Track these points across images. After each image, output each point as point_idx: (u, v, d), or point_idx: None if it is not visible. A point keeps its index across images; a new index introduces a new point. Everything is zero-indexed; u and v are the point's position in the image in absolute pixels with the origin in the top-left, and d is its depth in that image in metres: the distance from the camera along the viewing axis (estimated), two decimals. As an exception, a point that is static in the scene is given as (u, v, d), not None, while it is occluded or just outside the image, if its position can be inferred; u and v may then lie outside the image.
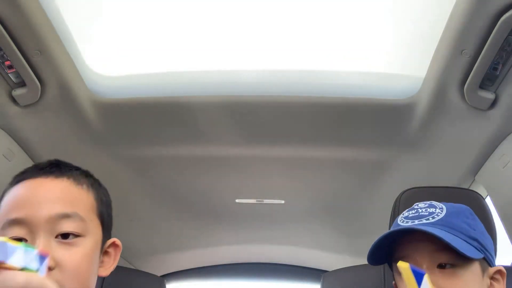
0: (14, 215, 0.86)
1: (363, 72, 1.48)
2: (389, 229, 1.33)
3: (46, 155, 1.62)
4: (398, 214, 1.30)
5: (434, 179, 1.71)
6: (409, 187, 1.37)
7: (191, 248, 2.34)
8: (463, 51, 1.25)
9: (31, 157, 1.60)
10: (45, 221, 0.85)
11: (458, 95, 1.39)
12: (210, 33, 1.39)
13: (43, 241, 0.84)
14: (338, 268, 1.44)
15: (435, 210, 1.01)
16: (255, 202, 2.00)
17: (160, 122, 1.61)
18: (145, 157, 1.74)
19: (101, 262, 0.96)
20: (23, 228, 0.85)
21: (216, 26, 1.37)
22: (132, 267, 2.28)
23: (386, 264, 1.35)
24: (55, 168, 0.95)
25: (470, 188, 1.63)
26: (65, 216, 0.87)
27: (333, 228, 2.14)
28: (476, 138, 1.50)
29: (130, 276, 1.49)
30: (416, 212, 1.02)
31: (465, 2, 1.14)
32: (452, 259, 0.95)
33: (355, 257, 2.14)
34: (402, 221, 1.01)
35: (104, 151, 1.70)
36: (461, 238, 0.96)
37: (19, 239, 0.84)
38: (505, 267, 1.26)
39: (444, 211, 1.00)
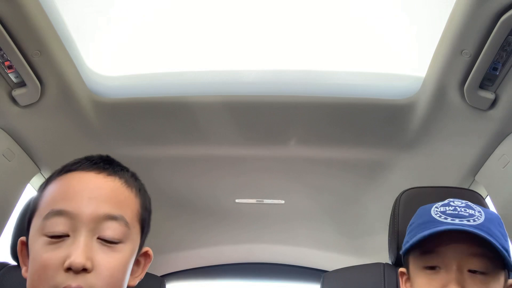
0: (61, 206, 0.84)
1: (363, 72, 1.48)
2: (390, 227, 1.33)
3: (46, 155, 1.62)
4: (398, 214, 1.31)
5: (434, 179, 1.70)
6: (409, 187, 1.37)
7: (191, 248, 2.34)
8: (463, 51, 1.25)
9: (31, 157, 1.60)
10: (91, 219, 0.83)
11: (458, 95, 1.39)
12: (210, 33, 1.39)
13: (84, 240, 0.81)
14: (338, 268, 1.44)
15: (475, 213, 0.98)
16: (255, 202, 2.00)
17: (160, 122, 1.61)
18: (145, 157, 1.74)
19: (131, 270, 0.92)
20: (67, 221, 0.82)
21: (216, 26, 1.37)
22: (132, 267, 2.27)
23: (386, 264, 1.36)
24: (108, 165, 0.93)
25: (470, 188, 1.62)
26: (112, 218, 0.85)
27: (333, 228, 2.14)
28: (476, 138, 1.49)
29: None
30: (454, 210, 0.99)
31: (465, 2, 1.14)
32: (485, 266, 0.94)
33: (355, 257, 2.14)
34: (439, 216, 0.98)
35: (104, 151, 1.68)
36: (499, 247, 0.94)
37: (60, 235, 0.82)
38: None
39: (483, 216, 0.98)
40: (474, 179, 1.64)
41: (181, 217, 2.12)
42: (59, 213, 0.83)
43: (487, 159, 1.54)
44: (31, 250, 0.85)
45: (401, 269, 1.08)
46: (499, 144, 1.47)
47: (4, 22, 1.20)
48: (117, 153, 1.72)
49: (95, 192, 0.86)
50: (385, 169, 1.76)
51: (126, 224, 0.87)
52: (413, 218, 1.08)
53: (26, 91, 1.38)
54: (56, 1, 1.26)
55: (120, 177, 0.91)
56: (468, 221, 0.96)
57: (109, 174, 0.90)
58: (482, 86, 1.33)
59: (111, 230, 0.84)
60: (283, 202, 2.00)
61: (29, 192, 1.63)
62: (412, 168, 1.72)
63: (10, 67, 1.30)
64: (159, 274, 2.26)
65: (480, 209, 1.00)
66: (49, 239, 0.82)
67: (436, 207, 1.02)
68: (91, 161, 0.93)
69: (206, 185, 1.91)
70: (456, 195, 1.31)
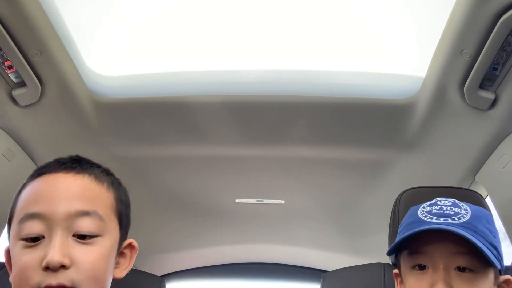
0: (33, 209, 0.85)
1: (363, 72, 1.48)
2: (390, 227, 1.33)
3: (46, 155, 1.62)
4: (398, 214, 1.31)
5: (434, 179, 1.71)
6: (409, 187, 1.37)
7: (191, 248, 2.34)
8: (463, 51, 1.25)
9: (31, 157, 1.60)
10: (64, 218, 0.84)
11: (458, 95, 1.39)
12: (210, 33, 1.39)
13: (59, 238, 0.83)
14: (338, 268, 1.44)
15: (460, 211, 0.99)
16: (255, 202, 2.00)
17: (160, 122, 1.61)
18: (145, 157, 1.74)
19: (117, 263, 0.94)
20: (41, 223, 0.84)
21: (216, 26, 1.37)
22: (132, 267, 2.27)
23: (386, 264, 1.36)
24: (76, 164, 0.94)
25: (470, 188, 1.62)
26: (84, 214, 0.86)
27: (333, 228, 2.14)
28: (476, 138, 1.49)
29: (130, 276, 1.48)
30: (440, 209, 0.99)
31: (465, 2, 1.14)
32: (472, 264, 0.94)
33: (355, 257, 2.14)
34: (425, 216, 0.99)
35: (104, 151, 1.70)
36: (484, 245, 0.94)
37: (36, 238, 0.84)
38: (506, 267, 1.26)
39: (469, 214, 0.98)
40: (474, 179, 1.64)
41: (181, 217, 2.12)
42: (32, 216, 0.85)
43: (487, 159, 1.54)
44: (11, 255, 0.87)
45: (395, 271, 1.08)
46: (499, 144, 1.47)
47: (4, 22, 1.20)
48: (116, 153, 1.73)
49: (65, 191, 0.88)
50: (385, 169, 1.76)
51: (100, 218, 0.88)
52: (403, 218, 1.09)
53: (26, 91, 1.38)
54: (56, 1, 1.25)
55: (90, 174, 0.93)
56: (453, 219, 0.96)
57: (78, 172, 0.92)
58: (482, 86, 1.33)
59: (85, 225, 0.86)
60: (283, 202, 2.00)
61: (29, 192, 1.63)
62: (412, 168, 1.72)
63: (10, 67, 1.30)
64: (159, 274, 2.27)
65: (467, 207, 1.01)
66: (26, 243, 0.84)
67: (423, 207, 1.03)
68: (59, 162, 0.94)
69: (206, 185, 1.91)
70: (456, 195, 1.31)
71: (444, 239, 0.94)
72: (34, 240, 0.84)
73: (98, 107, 1.54)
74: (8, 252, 0.92)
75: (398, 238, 1.02)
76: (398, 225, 1.30)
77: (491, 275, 0.96)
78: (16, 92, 1.38)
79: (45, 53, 1.31)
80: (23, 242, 0.84)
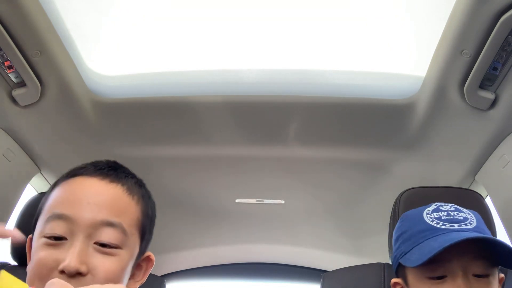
0: (60, 210, 0.86)
1: (363, 72, 1.48)
2: (390, 227, 1.33)
3: (46, 155, 1.62)
4: (398, 214, 1.31)
5: (434, 179, 1.70)
6: (409, 187, 1.37)
7: (191, 248, 2.34)
8: (463, 51, 1.25)
9: (31, 157, 1.60)
10: (88, 225, 0.85)
11: (458, 95, 1.39)
12: (210, 33, 1.39)
13: (80, 244, 0.83)
14: (338, 268, 1.44)
15: (467, 216, 0.99)
16: (255, 202, 2.00)
17: (160, 122, 1.61)
18: (145, 156, 1.74)
19: (132, 274, 0.94)
20: (66, 225, 0.85)
21: (216, 26, 1.37)
22: (132, 267, 2.27)
23: (386, 264, 1.36)
24: (112, 171, 0.94)
25: (470, 188, 1.62)
26: (109, 225, 0.86)
27: (333, 228, 2.14)
28: (476, 138, 1.49)
29: (130, 276, 1.49)
30: (447, 215, 0.99)
31: (465, 2, 1.14)
32: (487, 269, 0.94)
33: (355, 257, 2.14)
34: (436, 223, 0.98)
35: (104, 151, 1.69)
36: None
37: (59, 238, 0.84)
38: (505, 267, 1.26)
39: (475, 217, 0.99)
40: (474, 179, 1.64)
41: (181, 217, 2.12)
42: (58, 216, 0.85)
43: (487, 159, 1.54)
44: (32, 248, 0.88)
45: (395, 280, 1.06)
46: (499, 144, 1.47)
47: (4, 22, 1.20)
48: (116, 153, 1.73)
49: (96, 198, 0.88)
50: (385, 169, 1.76)
51: (124, 231, 0.88)
52: (402, 225, 1.07)
53: (26, 91, 1.38)
54: (56, 1, 1.25)
55: (123, 184, 0.93)
56: (466, 225, 0.97)
57: (112, 181, 0.92)
58: (482, 86, 1.33)
59: (107, 236, 0.86)
60: (283, 202, 1.99)
61: (29, 192, 1.63)
62: (412, 168, 1.72)
63: (10, 67, 1.30)
64: (159, 274, 2.27)
65: (468, 211, 1.02)
66: (48, 240, 0.85)
67: (428, 213, 1.02)
68: (96, 166, 0.94)
69: (206, 185, 1.91)
70: (456, 195, 1.32)
71: (461, 246, 0.92)
72: (56, 239, 0.85)
73: (98, 107, 1.54)
74: (31, 241, 0.93)
75: (409, 246, 0.99)
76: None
77: (497, 276, 0.98)
78: (16, 92, 1.38)
79: (45, 53, 1.31)
80: (45, 239, 0.85)
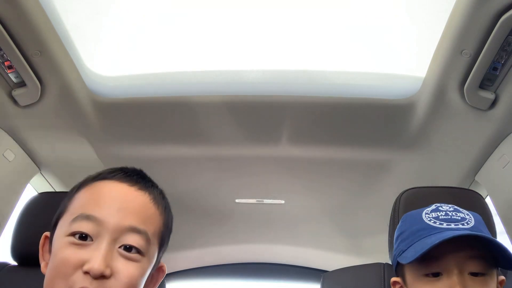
0: (90, 211, 0.87)
1: (363, 72, 1.48)
2: (390, 227, 1.33)
3: (46, 155, 1.62)
4: (398, 214, 1.31)
5: (434, 179, 1.71)
6: (409, 187, 1.37)
7: (191, 248, 2.34)
8: (463, 51, 1.25)
9: (31, 157, 1.60)
10: (116, 228, 0.86)
11: (458, 95, 1.39)
12: (210, 33, 1.39)
13: (106, 247, 0.84)
14: (338, 268, 1.44)
15: (465, 216, 1.00)
16: (255, 202, 2.00)
17: (160, 122, 1.61)
18: (145, 156, 1.74)
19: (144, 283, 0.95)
20: (94, 227, 0.85)
21: (216, 26, 1.37)
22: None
23: (386, 264, 1.35)
24: (140, 179, 0.95)
25: (470, 188, 1.62)
26: (135, 231, 0.87)
27: (333, 228, 2.14)
28: (476, 138, 1.49)
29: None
30: (446, 215, 1.00)
31: (465, 2, 1.14)
32: (483, 268, 0.95)
33: (355, 257, 2.14)
34: (434, 222, 0.99)
35: (104, 151, 1.70)
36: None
37: (85, 238, 0.85)
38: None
39: (473, 218, 1.00)
40: (474, 179, 1.64)
41: (181, 217, 2.11)
42: (87, 217, 0.86)
43: (487, 159, 1.54)
44: (54, 247, 0.88)
45: (394, 279, 1.07)
46: (499, 144, 1.47)
47: (4, 22, 1.20)
48: (116, 153, 1.73)
49: (125, 203, 0.89)
50: (385, 169, 1.76)
51: (148, 239, 0.89)
52: (402, 225, 1.08)
53: (26, 91, 1.38)
54: (56, 1, 1.25)
55: (150, 193, 0.94)
56: (463, 224, 0.98)
57: (141, 188, 0.93)
58: (482, 86, 1.33)
59: (133, 241, 0.87)
60: (283, 202, 1.99)
61: (29, 192, 1.63)
62: (412, 168, 1.72)
63: (10, 67, 1.30)
64: (159, 274, 2.26)
65: (467, 212, 1.02)
66: (74, 239, 0.85)
67: (426, 213, 1.03)
68: (125, 173, 0.95)
69: (206, 185, 1.91)
70: (456, 195, 1.32)
71: (457, 244, 0.94)
72: (82, 239, 0.85)
73: (98, 107, 1.54)
74: (46, 239, 0.94)
75: (406, 245, 1.00)
76: (398, 225, 1.30)
77: (495, 276, 0.98)
78: (16, 92, 1.38)
79: (45, 53, 1.31)
80: (71, 238, 0.85)
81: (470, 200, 1.30)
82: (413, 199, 1.31)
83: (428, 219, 1.01)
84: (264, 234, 2.25)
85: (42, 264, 0.92)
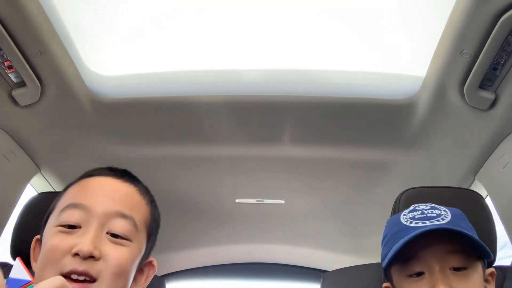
0: (77, 200, 0.91)
1: (363, 72, 1.48)
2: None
3: (46, 155, 1.62)
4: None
5: (434, 179, 1.71)
6: (409, 187, 1.37)
7: (191, 248, 2.34)
8: (463, 51, 1.25)
9: (31, 157, 1.60)
10: (103, 214, 0.89)
11: (458, 95, 1.39)
12: (210, 33, 1.39)
13: (94, 231, 0.87)
14: (338, 268, 1.44)
15: (441, 212, 1.01)
16: (255, 202, 2.00)
17: (160, 122, 1.61)
18: (145, 157, 1.74)
19: (134, 278, 0.96)
20: (81, 214, 0.89)
21: (216, 25, 1.37)
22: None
23: (386, 264, 1.35)
24: (125, 174, 1.01)
25: (470, 188, 1.62)
26: (122, 216, 0.91)
27: (333, 228, 2.14)
28: (476, 138, 1.49)
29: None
30: (421, 214, 1.01)
31: (465, 2, 1.14)
32: (464, 261, 0.96)
33: (355, 257, 2.14)
34: (410, 222, 1.00)
35: (104, 151, 1.70)
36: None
37: (73, 226, 0.88)
38: (505, 267, 1.26)
39: (449, 213, 1.00)
40: (474, 179, 1.64)
41: (181, 217, 2.12)
42: (74, 205, 0.90)
43: (487, 159, 1.53)
44: (43, 240, 0.91)
45: (385, 285, 1.08)
46: (499, 144, 1.47)
47: (4, 22, 1.20)
48: (116, 153, 1.73)
49: (111, 193, 0.94)
50: (385, 169, 1.76)
51: (135, 225, 0.93)
52: (384, 230, 1.10)
53: (26, 91, 1.38)
54: (56, 1, 1.25)
55: (135, 185, 0.99)
56: (438, 221, 0.98)
57: (126, 181, 0.99)
58: (482, 86, 1.33)
59: (120, 226, 0.90)
60: (283, 202, 1.99)
61: (29, 192, 1.63)
62: (412, 168, 1.72)
63: (10, 67, 1.30)
64: (159, 274, 2.27)
65: (445, 208, 1.03)
66: (62, 228, 0.88)
67: (404, 215, 1.04)
68: (110, 169, 1.01)
69: (206, 185, 1.91)
70: (456, 195, 1.32)
71: (435, 241, 0.95)
72: (70, 228, 0.88)
73: (98, 107, 1.54)
74: (37, 241, 0.97)
75: (388, 249, 1.02)
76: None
77: (480, 269, 0.99)
78: (16, 92, 1.38)
79: (45, 53, 1.31)
80: (59, 228, 0.88)
81: (470, 200, 1.30)
82: (413, 199, 1.31)
83: (405, 220, 1.02)
84: (264, 234, 2.25)
85: (33, 266, 0.94)
